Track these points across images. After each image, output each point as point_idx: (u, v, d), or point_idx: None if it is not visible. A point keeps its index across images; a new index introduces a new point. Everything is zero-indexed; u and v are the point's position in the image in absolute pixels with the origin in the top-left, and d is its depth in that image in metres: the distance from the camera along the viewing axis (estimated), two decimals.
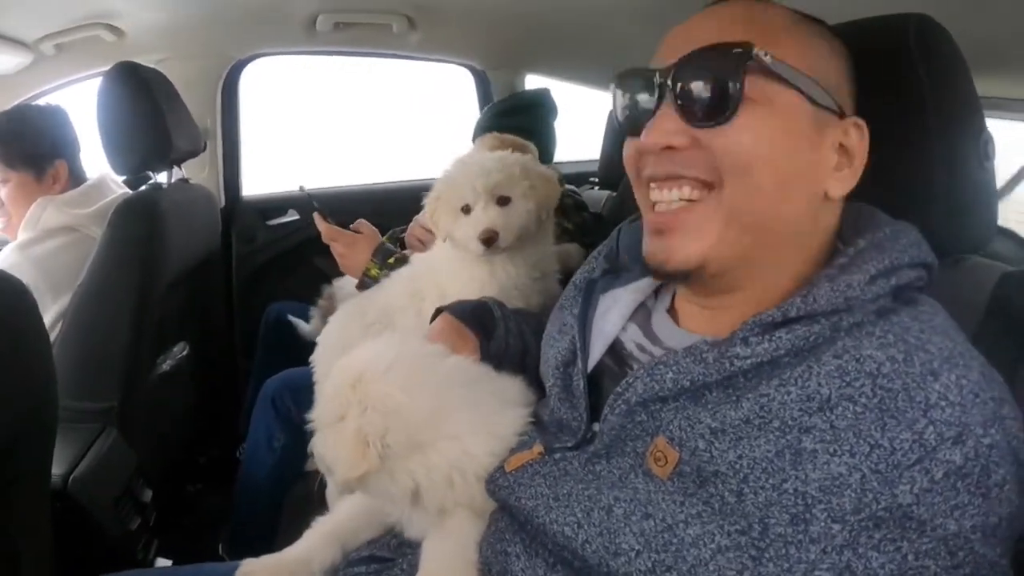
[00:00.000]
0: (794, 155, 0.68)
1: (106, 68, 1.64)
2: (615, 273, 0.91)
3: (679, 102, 0.70)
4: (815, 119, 0.69)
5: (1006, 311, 0.79)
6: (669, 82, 0.70)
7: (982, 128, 0.81)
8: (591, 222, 1.96)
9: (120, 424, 1.54)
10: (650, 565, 0.64)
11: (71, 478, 1.32)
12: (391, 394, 0.80)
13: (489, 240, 1.29)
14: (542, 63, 2.66)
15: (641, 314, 0.85)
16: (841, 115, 0.71)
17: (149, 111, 1.61)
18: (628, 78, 0.76)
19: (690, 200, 0.71)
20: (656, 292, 0.87)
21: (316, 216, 1.62)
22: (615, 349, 0.84)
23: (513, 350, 1.05)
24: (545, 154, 1.95)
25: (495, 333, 1.05)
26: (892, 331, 0.61)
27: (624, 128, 0.77)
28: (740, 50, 0.67)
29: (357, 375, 0.83)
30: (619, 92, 0.77)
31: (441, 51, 2.56)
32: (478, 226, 1.30)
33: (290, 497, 1.71)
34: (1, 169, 1.72)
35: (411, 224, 1.88)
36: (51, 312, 1.58)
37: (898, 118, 0.80)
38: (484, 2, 2.07)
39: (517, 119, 1.99)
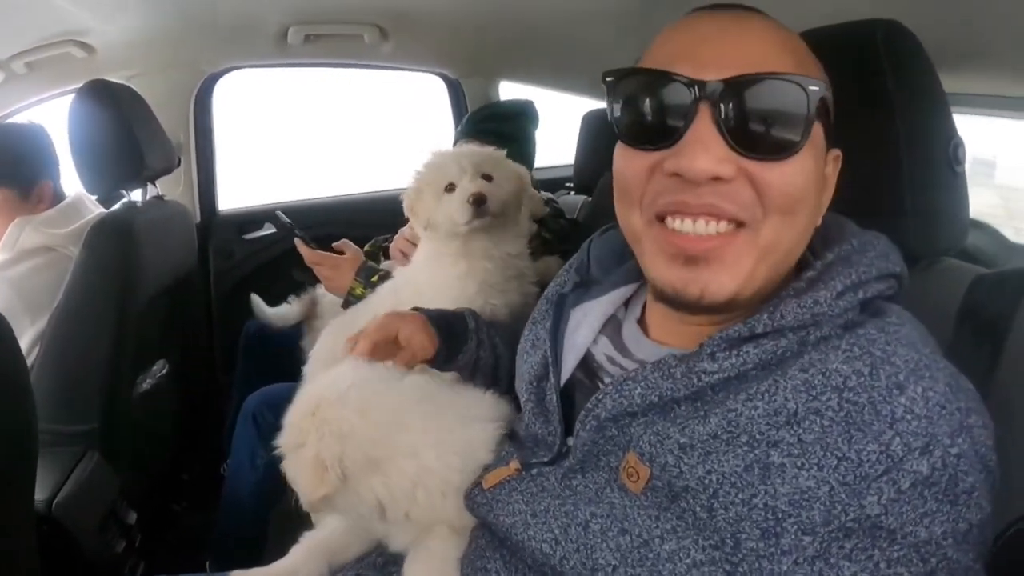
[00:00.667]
0: (819, 192, 0.69)
1: (78, 85, 1.62)
2: (586, 287, 0.91)
3: (729, 126, 0.63)
4: (823, 149, 0.69)
5: (978, 315, 0.79)
6: (719, 102, 0.63)
7: (952, 133, 0.82)
8: (568, 228, 1.97)
9: (102, 446, 1.52)
10: None
11: (55, 503, 1.30)
12: (346, 417, 0.82)
13: (479, 200, 1.30)
14: (515, 70, 2.67)
15: (611, 326, 0.85)
16: (830, 147, 0.71)
17: (121, 129, 1.60)
18: (645, 78, 0.67)
19: (726, 232, 0.66)
20: (626, 303, 0.87)
21: (298, 242, 1.63)
22: (586, 362, 0.84)
23: (484, 362, 1.06)
24: (524, 162, 1.96)
25: (465, 346, 1.05)
26: (858, 344, 0.61)
27: (634, 136, 0.69)
28: (816, 88, 0.63)
29: (315, 403, 0.85)
30: (628, 91, 0.69)
31: (414, 61, 2.56)
32: (465, 193, 1.31)
33: (276, 512, 1.69)
34: None
35: (396, 237, 1.88)
36: (29, 334, 1.56)
37: (868, 124, 0.81)
38: (456, 11, 2.06)
39: (498, 125, 1.98)
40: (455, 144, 2.00)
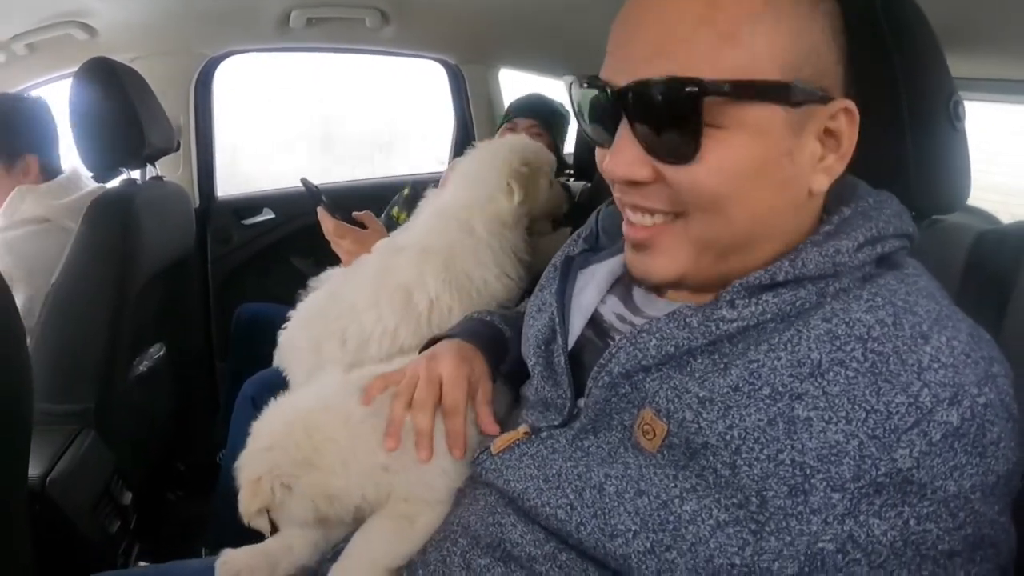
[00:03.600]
0: (769, 179, 0.63)
1: (77, 68, 1.60)
2: (593, 252, 0.90)
3: (637, 130, 0.63)
4: (792, 123, 0.62)
5: (984, 269, 0.80)
6: (628, 106, 0.63)
7: (952, 91, 0.82)
8: (577, 212, 1.97)
9: (97, 426, 1.51)
10: (648, 545, 0.62)
11: (48, 480, 1.29)
12: (271, 432, 0.86)
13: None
14: (516, 57, 2.66)
15: (621, 286, 0.83)
16: (826, 100, 0.63)
17: (123, 107, 1.58)
18: (584, 85, 0.69)
19: (657, 223, 0.67)
20: None
21: (321, 211, 1.53)
22: (595, 322, 0.82)
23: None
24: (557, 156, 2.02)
25: (507, 355, 1.00)
26: (880, 294, 0.61)
27: (589, 137, 0.72)
28: (693, 88, 0.59)
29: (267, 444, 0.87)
30: (577, 95, 0.71)
31: (414, 46, 2.55)
32: (560, 189, 1.54)
33: None
34: None
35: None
36: (22, 296, 1.55)
37: (868, 85, 0.81)
38: None
39: (548, 116, 2.08)
40: (507, 117, 2.09)
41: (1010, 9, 1.17)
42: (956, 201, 0.85)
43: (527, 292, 1.36)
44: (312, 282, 1.78)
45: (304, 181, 1.66)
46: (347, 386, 0.92)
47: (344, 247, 1.52)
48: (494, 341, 1.00)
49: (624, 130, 0.64)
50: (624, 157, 0.64)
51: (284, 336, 1.49)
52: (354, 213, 1.57)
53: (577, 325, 0.82)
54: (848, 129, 0.65)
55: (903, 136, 0.80)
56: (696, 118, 0.60)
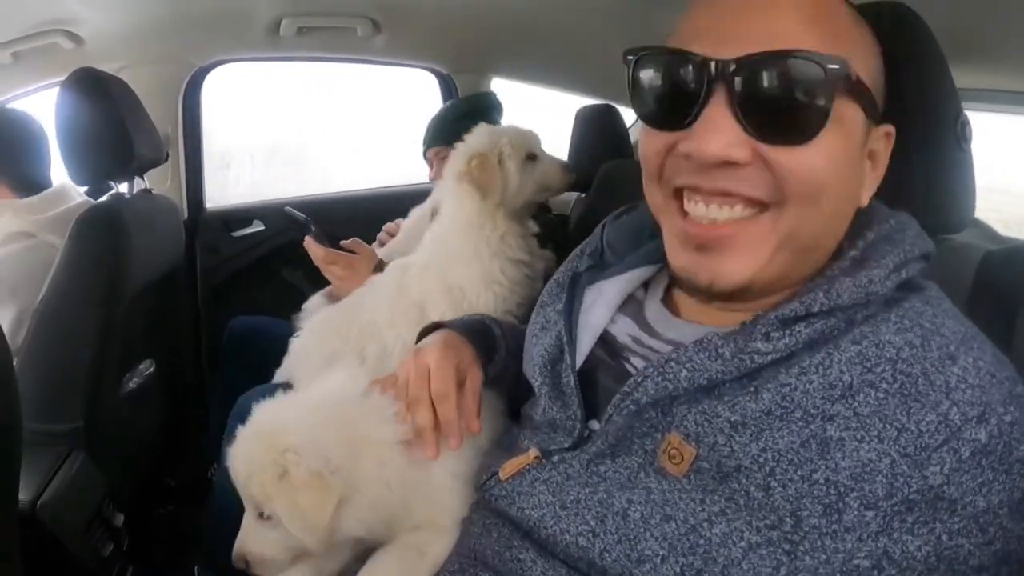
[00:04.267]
0: (853, 176, 0.66)
1: (64, 77, 1.57)
2: (599, 269, 0.88)
3: (744, 108, 0.61)
4: (866, 133, 0.66)
5: (992, 288, 0.81)
6: (734, 81, 0.60)
7: (959, 111, 0.82)
8: (555, 223, 1.96)
9: (87, 446, 1.47)
10: (679, 570, 0.61)
11: (39, 503, 1.25)
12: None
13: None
14: (508, 66, 2.65)
15: (632, 306, 0.82)
16: (879, 123, 0.68)
17: (110, 118, 1.55)
18: (662, 58, 0.65)
19: (742, 218, 0.64)
20: (646, 284, 0.83)
21: (308, 240, 1.55)
22: (606, 342, 0.80)
23: (509, 371, 0.98)
24: None
25: (496, 355, 0.98)
26: (907, 316, 0.62)
27: (650, 116, 0.68)
28: (837, 67, 0.59)
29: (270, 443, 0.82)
30: (645, 71, 0.67)
31: (406, 55, 2.53)
32: (559, 162, 1.49)
33: None
34: None
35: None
36: (10, 315, 1.52)
37: None
38: (449, 5, 2.05)
39: (473, 123, 1.99)
40: (432, 146, 2.03)
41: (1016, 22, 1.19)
42: (963, 220, 0.86)
43: (533, 296, 1.34)
44: (306, 304, 1.77)
45: (289, 211, 1.69)
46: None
47: (335, 273, 1.54)
48: (483, 334, 0.98)
49: (720, 107, 0.61)
50: (722, 135, 0.61)
51: (297, 344, 1.49)
52: (342, 242, 1.59)
53: (585, 344, 0.80)
54: (885, 153, 0.69)
55: (910, 156, 0.81)
56: (828, 98, 0.59)
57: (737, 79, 0.60)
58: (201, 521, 1.77)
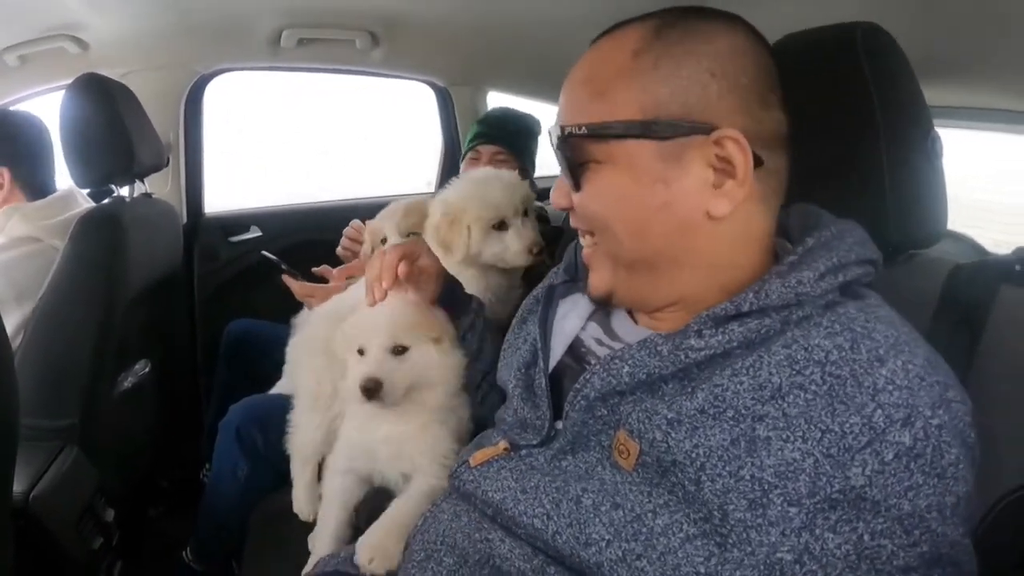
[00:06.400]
0: (644, 200, 0.71)
1: (69, 81, 1.61)
2: (574, 282, 0.93)
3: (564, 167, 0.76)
4: (664, 154, 0.69)
5: (958, 303, 0.82)
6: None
7: (929, 128, 0.85)
8: (552, 234, 1.98)
9: (81, 443, 1.50)
10: (620, 554, 0.65)
11: (32, 496, 1.28)
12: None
13: (540, 251, 1.36)
14: (504, 80, 2.69)
15: (601, 313, 0.88)
16: (703, 130, 0.69)
17: (113, 123, 1.59)
18: None
19: (589, 245, 0.80)
20: None
21: (285, 278, 1.66)
22: (574, 348, 0.86)
23: (467, 349, 1.09)
24: (526, 177, 1.99)
25: (464, 317, 1.09)
26: (839, 321, 0.64)
27: None
28: (560, 132, 0.74)
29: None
30: None
31: (404, 68, 2.57)
32: (524, 240, 1.35)
33: (256, 515, 1.67)
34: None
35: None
36: (15, 319, 1.54)
37: (848, 120, 0.84)
38: (447, 18, 2.08)
39: (513, 138, 2.03)
40: (471, 144, 2.05)
41: (988, 41, 1.21)
42: (933, 235, 0.87)
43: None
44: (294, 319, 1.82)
45: (263, 255, 1.84)
46: None
47: (314, 304, 1.60)
48: (453, 290, 1.12)
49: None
50: (558, 189, 0.79)
51: (296, 342, 1.55)
52: (313, 269, 1.71)
53: (558, 351, 0.87)
54: (740, 156, 0.69)
55: (881, 171, 0.83)
56: (572, 154, 0.74)
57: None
58: (191, 524, 1.80)
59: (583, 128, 0.72)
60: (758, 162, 0.69)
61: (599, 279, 0.80)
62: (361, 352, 1.07)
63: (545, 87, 2.62)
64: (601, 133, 0.71)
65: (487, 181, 1.40)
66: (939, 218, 0.87)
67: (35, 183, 1.76)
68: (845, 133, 0.84)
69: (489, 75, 2.68)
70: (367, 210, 1.94)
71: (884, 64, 0.84)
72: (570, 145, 0.74)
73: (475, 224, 1.34)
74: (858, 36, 0.85)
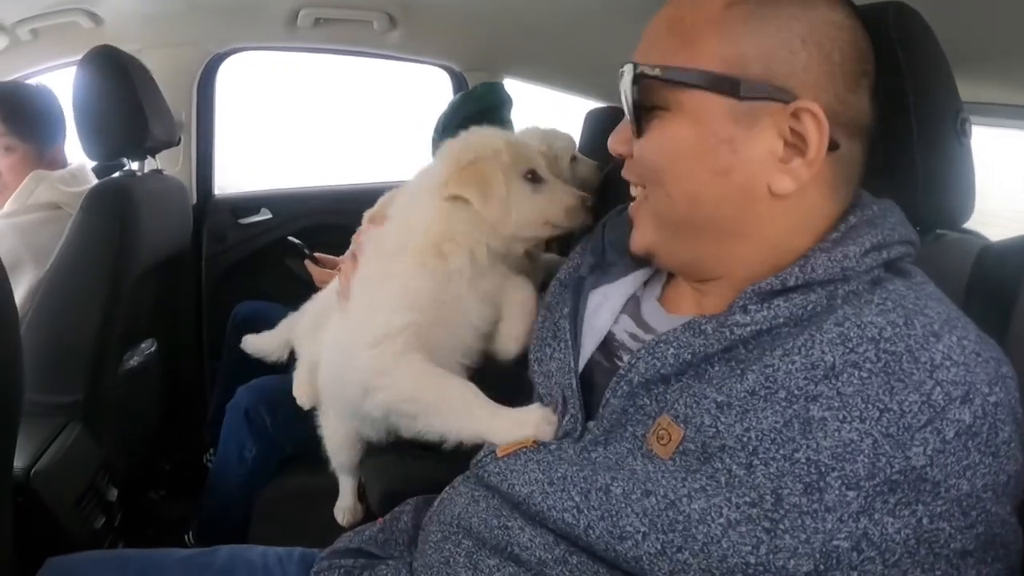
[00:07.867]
0: (705, 161, 0.68)
1: (81, 56, 1.59)
2: (602, 268, 0.90)
3: (630, 110, 0.72)
4: (736, 114, 0.66)
5: (986, 284, 0.81)
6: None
7: (959, 107, 0.84)
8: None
9: (85, 419, 1.48)
10: (659, 547, 0.62)
11: (33, 472, 1.26)
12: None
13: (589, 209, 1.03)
14: (521, 67, 2.66)
15: (631, 304, 0.85)
16: (782, 99, 0.65)
17: (127, 96, 1.57)
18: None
19: (640, 198, 0.77)
20: (645, 283, 0.87)
21: (308, 264, 1.66)
22: (606, 344, 0.83)
23: None
24: None
25: None
26: (890, 298, 0.62)
27: None
28: (633, 72, 0.69)
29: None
30: None
31: (420, 51, 2.54)
32: (567, 197, 1.02)
33: (260, 496, 1.65)
34: (9, 138, 1.70)
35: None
36: (29, 280, 1.55)
37: (878, 99, 0.82)
38: (465, 4, 2.07)
39: (493, 115, 1.88)
40: (440, 139, 1.95)
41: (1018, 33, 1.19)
42: (961, 216, 0.87)
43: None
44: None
45: (289, 240, 1.82)
46: None
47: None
48: None
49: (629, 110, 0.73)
50: (618, 134, 0.75)
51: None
52: (318, 255, 1.70)
53: (588, 348, 0.83)
54: (816, 134, 0.65)
55: (911, 150, 0.82)
56: (640, 96, 0.70)
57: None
58: (192, 508, 1.81)
59: (657, 69, 0.68)
60: (833, 146, 0.66)
61: (641, 236, 0.77)
62: None
63: (562, 76, 2.59)
64: (677, 79, 0.67)
65: (506, 133, 1.12)
66: (967, 198, 0.86)
67: (48, 154, 1.76)
68: (878, 109, 0.82)
69: (505, 62, 2.65)
70: (378, 194, 1.91)
71: (914, 44, 0.83)
72: (641, 86, 0.69)
73: (495, 172, 1.00)
74: (890, 15, 0.84)
